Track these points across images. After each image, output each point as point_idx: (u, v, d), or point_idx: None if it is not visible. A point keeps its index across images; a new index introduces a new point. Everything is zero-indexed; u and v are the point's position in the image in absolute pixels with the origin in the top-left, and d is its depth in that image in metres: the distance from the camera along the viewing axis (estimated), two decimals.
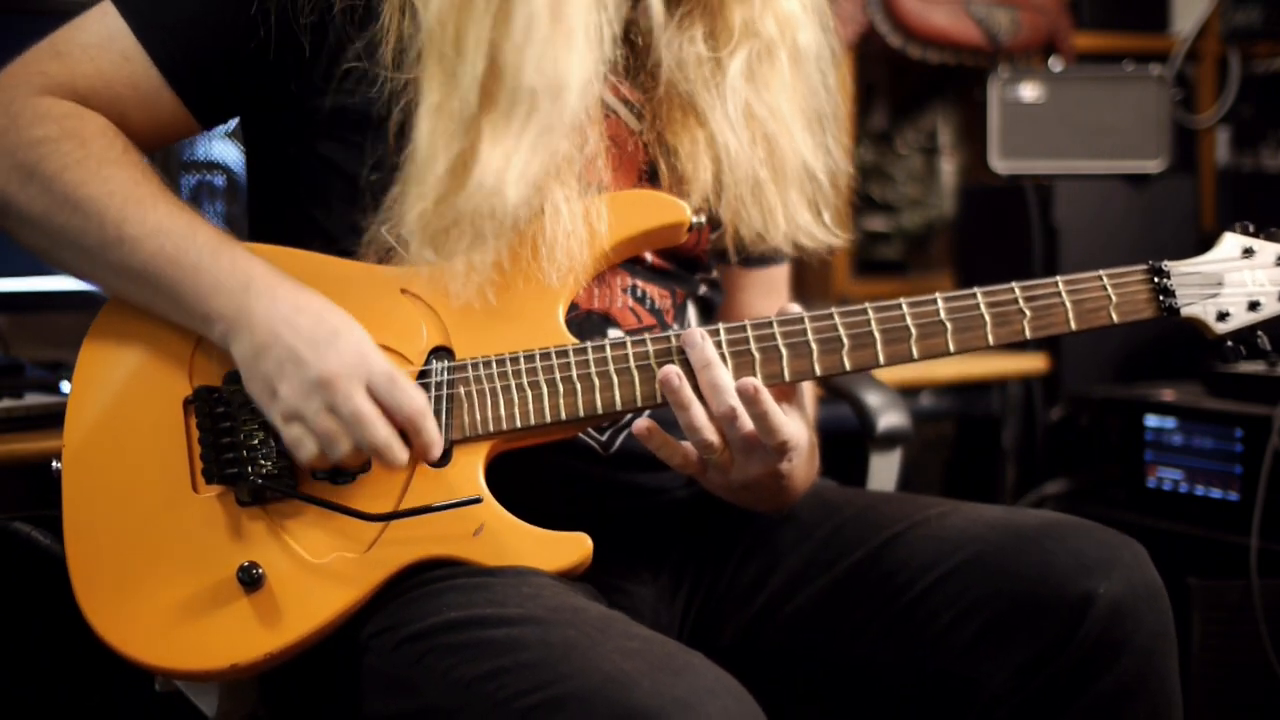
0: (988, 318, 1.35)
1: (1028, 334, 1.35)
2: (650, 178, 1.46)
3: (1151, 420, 2.39)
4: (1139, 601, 1.31)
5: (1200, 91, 3.21)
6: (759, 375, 1.32)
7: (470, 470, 1.32)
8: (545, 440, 1.36)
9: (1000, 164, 2.80)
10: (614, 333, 1.43)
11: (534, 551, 1.31)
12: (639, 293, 1.46)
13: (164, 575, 1.31)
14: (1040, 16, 3.06)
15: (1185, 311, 1.37)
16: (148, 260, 1.32)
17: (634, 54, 1.44)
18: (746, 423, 1.29)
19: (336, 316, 1.31)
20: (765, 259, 1.61)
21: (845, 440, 2.02)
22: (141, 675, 1.38)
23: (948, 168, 3.35)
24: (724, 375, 1.30)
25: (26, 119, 1.35)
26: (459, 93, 1.30)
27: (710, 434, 1.30)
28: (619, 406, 1.33)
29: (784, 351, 1.34)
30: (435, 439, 1.30)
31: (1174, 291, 1.36)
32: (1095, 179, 2.78)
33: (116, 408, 1.36)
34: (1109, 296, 1.36)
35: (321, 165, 1.41)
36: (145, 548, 1.32)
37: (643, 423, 1.32)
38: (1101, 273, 1.36)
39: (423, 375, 1.34)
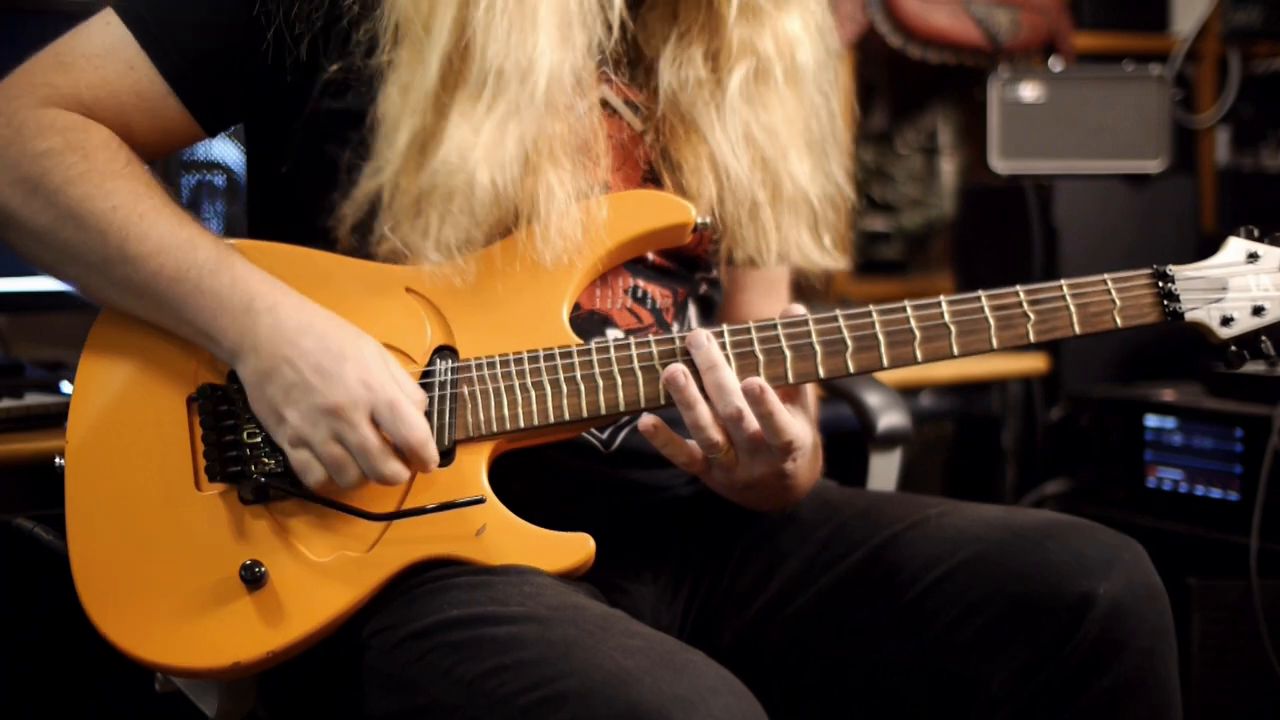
0: (992, 321, 1.35)
1: (1032, 337, 1.35)
2: (653, 180, 1.46)
3: (1151, 420, 2.39)
4: (1139, 601, 1.31)
5: (1200, 91, 3.21)
6: (762, 377, 1.32)
7: (473, 470, 1.33)
8: (549, 440, 1.36)
9: (1000, 164, 2.80)
10: (612, 333, 1.43)
11: (536, 552, 1.31)
12: (640, 293, 1.46)
13: (166, 573, 1.31)
14: (1040, 16, 3.06)
15: (1189, 316, 1.36)
16: (149, 279, 1.32)
17: (635, 56, 1.44)
18: (752, 423, 1.30)
19: (340, 335, 1.31)
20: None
21: (845, 440, 2.02)
22: (142, 675, 1.39)
23: (948, 168, 3.35)
24: (730, 376, 1.30)
25: (31, 131, 1.34)
26: (423, 68, 1.31)
27: (715, 433, 1.30)
28: (622, 407, 1.33)
29: (788, 353, 1.34)
30: (433, 460, 1.30)
31: (1178, 296, 1.36)
32: (1095, 179, 2.78)
33: (120, 405, 1.36)
34: (1113, 300, 1.36)
35: (324, 166, 1.41)
36: (148, 545, 1.32)
37: (648, 419, 1.32)
38: (1106, 276, 1.36)
39: (426, 375, 1.35)
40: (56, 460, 1.36)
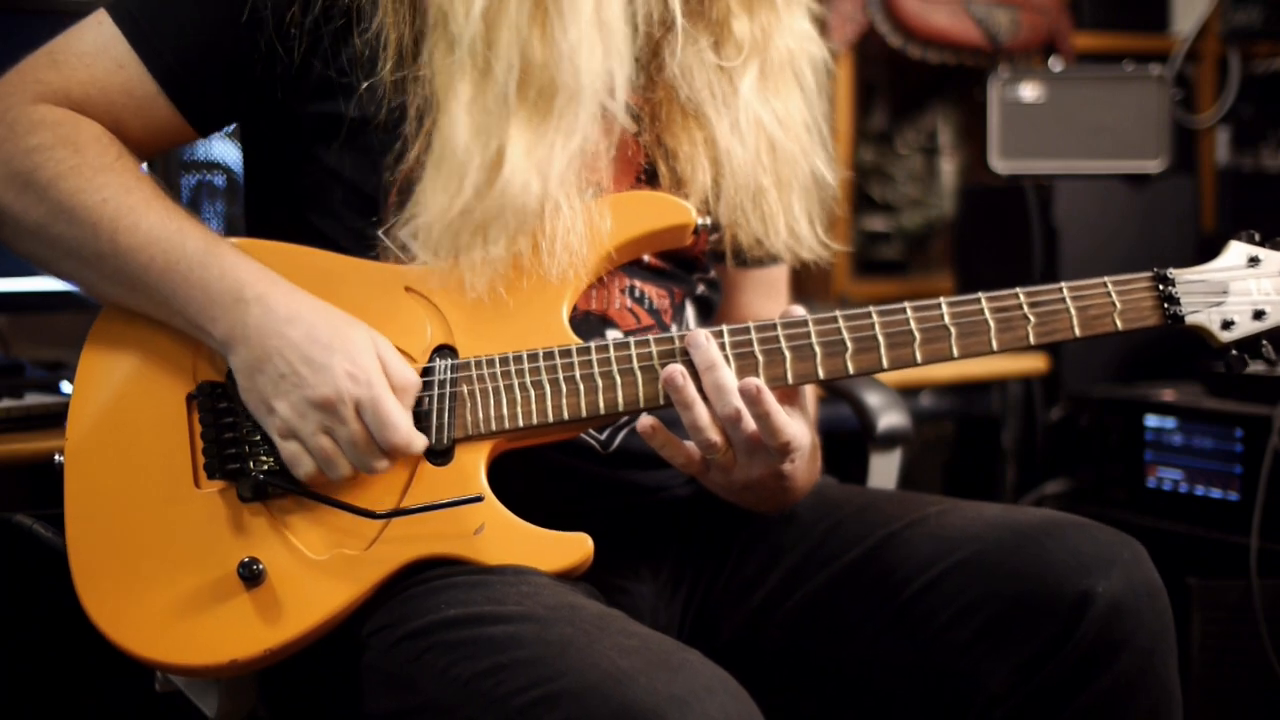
0: (992, 323, 1.35)
1: (1032, 340, 1.34)
2: (649, 180, 1.46)
3: (1151, 420, 2.39)
4: (1138, 600, 1.31)
5: (1200, 91, 3.21)
6: (762, 377, 1.32)
7: (472, 469, 1.33)
8: (548, 440, 1.36)
9: (1000, 164, 2.80)
10: (612, 333, 1.43)
11: (535, 551, 1.31)
12: (637, 293, 1.46)
13: (165, 570, 1.32)
14: (1040, 16, 3.06)
15: (1190, 320, 1.36)
16: (140, 271, 1.32)
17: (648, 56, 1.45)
18: (750, 423, 1.30)
19: (330, 324, 1.31)
20: (764, 260, 1.61)
21: (845, 440, 2.02)
22: (142, 674, 1.39)
23: (948, 168, 3.35)
24: (728, 377, 1.30)
25: (22, 127, 1.35)
26: (495, 88, 1.30)
27: (713, 434, 1.30)
28: (621, 407, 1.33)
29: (787, 354, 1.34)
30: (418, 450, 1.31)
31: (1179, 299, 1.36)
32: (1095, 179, 2.78)
33: (119, 402, 1.36)
34: (1114, 304, 1.35)
35: (320, 170, 1.41)
36: (146, 542, 1.33)
37: (646, 420, 1.32)
38: (1106, 279, 1.36)
39: (426, 373, 1.35)
40: (56, 457, 1.37)
